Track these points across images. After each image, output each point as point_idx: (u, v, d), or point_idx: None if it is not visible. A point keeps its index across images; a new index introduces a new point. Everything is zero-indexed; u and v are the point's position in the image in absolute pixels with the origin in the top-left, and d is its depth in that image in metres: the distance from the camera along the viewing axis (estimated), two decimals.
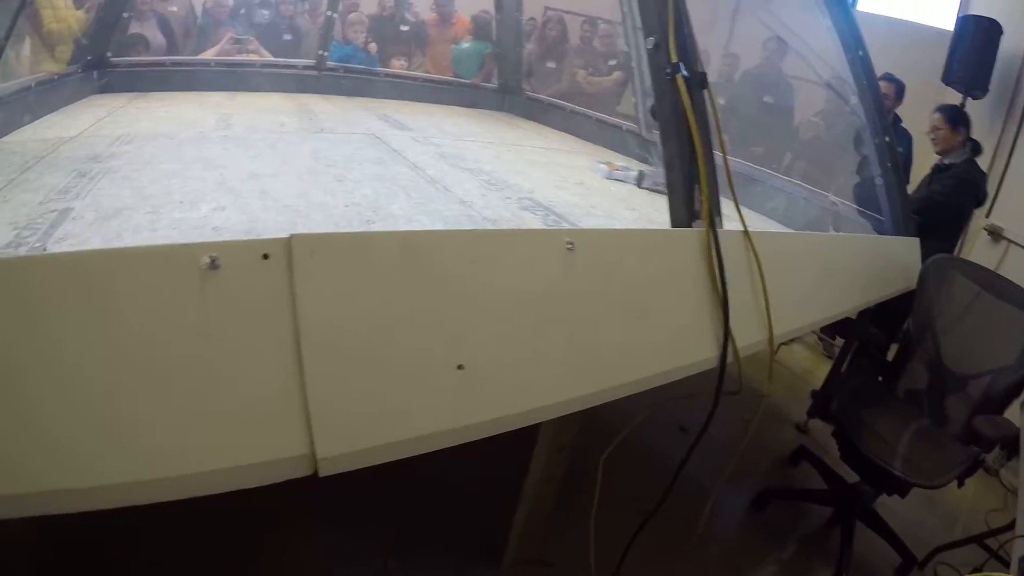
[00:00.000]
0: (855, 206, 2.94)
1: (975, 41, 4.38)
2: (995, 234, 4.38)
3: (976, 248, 4.48)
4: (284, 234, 1.30)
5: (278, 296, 0.79)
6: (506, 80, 4.47)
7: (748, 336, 1.31)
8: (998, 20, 4.37)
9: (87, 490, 0.70)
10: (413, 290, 0.86)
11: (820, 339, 3.95)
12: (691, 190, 1.20)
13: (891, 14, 5.36)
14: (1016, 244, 4.25)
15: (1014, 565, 1.42)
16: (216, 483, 0.75)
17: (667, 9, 1.22)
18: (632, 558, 1.84)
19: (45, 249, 1.24)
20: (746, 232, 1.30)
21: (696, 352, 1.17)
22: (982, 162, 4.44)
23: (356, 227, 1.66)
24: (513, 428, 0.91)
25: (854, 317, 2.60)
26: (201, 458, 0.74)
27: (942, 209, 3.15)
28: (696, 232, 1.19)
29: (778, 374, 3.72)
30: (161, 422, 0.73)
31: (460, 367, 0.87)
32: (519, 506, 1.75)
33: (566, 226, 1.85)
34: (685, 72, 1.20)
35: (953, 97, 4.47)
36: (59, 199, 1.61)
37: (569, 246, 0.97)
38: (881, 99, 2.76)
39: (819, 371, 2.73)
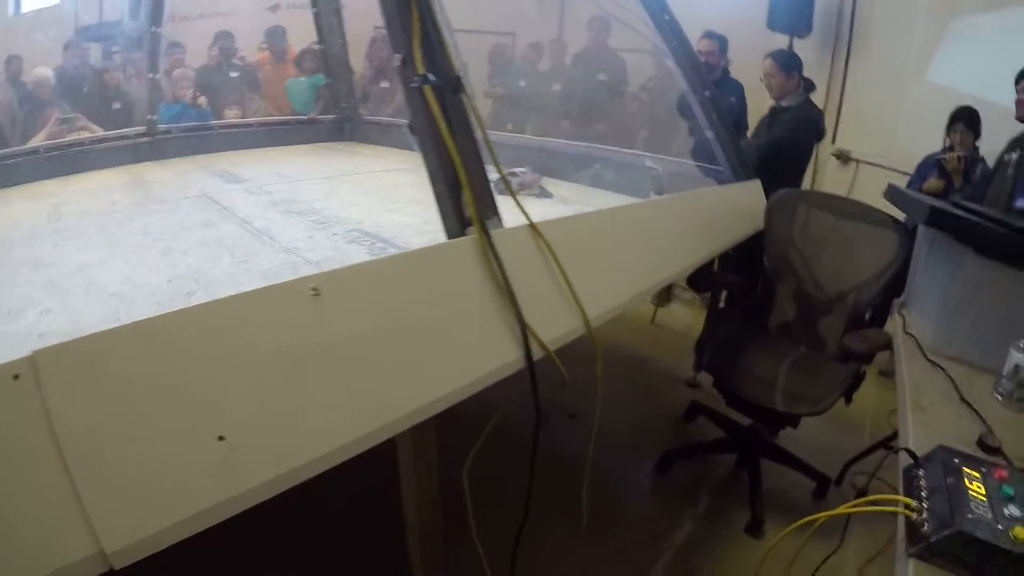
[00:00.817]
0: (695, 163, 3.02)
1: None
2: (843, 158, 4.64)
3: (828, 174, 4.73)
4: (106, 327, 1.28)
5: (34, 412, 0.80)
6: (342, 109, 4.42)
7: (561, 326, 1.31)
8: None
9: None
10: (162, 375, 0.86)
11: (696, 294, 4.06)
12: (458, 198, 1.19)
13: None
14: (864, 163, 4.52)
15: (900, 476, 1.47)
16: None
17: (411, 22, 1.20)
18: (545, 554, 1.82)
19: None
20: (531, 224, 1.30)
21: (499, 356, 1.16)
22: (819, 97, 4.72)
23: (177, 302, 1.55)
24: (293, 484, 0.90)
25: (714, 268, 2.68)
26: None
27: (787, 151, 3.28)
28: (469, 239, 1.18)
29: (659, 336, 3.83)
30: None
31: (221, 438, 0.86)
32: (408, 534, 1.71)
33: (392, 251, 1.84)
34: (434, 81, 1.19)
35: (781, 41, 4.68)
36: None
37: (314, 292, 0.95)
38: (696, 56, 2.83)
39: (701, 325, 2.79)
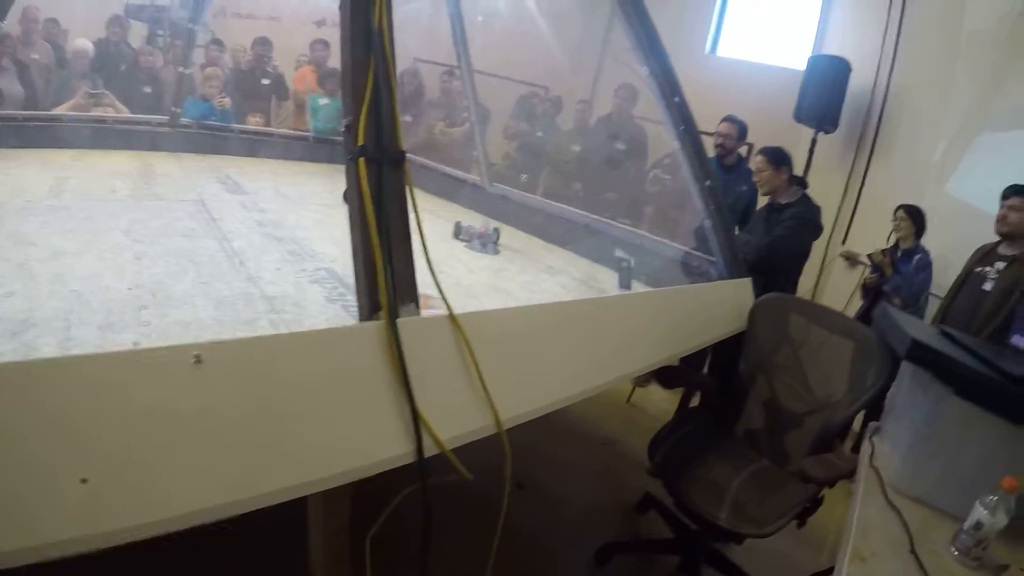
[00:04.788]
0: (693, 252, 2.97)
1: (825, 79, 4.62)
2: (851, 259, 4.58)
3: (833, 274, 4.67)
4: (54, 323, 1.42)
5: None
6: None
7: (470, 423, 1.26)
8: (847, 59, 4.58)
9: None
10: (32, 414, 0.86)
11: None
12: (374, 280, 1.16)
13: (748, 58, 5.59)
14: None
15: None
16: None
17: (364, 89, 1.18)
18: None
19: None
20: (452, 316, 1.26)
21: (388, 448, 1.11)
22: (836, 194, 4.68)
23: (129, 313, 1.64)
24: (144, 537, 0.90)
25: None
26: None
27: (788, 251, 3.24)
28: (374, 325, 1.14)
29: (633, 418, 3.76)
30: None
31: (84, 481, 0.86)
32: None
33: (351, 298, 1.81)
34: (371, 154, 1.17)
35: (807, 133, 4.67)
36: None
37: (196, 360, 0.93)
38: (700, 143, 2.79)
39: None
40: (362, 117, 1.17)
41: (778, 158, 3.29)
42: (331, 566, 1.62)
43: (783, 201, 3.28)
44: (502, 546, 1.47)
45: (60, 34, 4.51)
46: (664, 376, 2.47)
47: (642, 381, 3.73)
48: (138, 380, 0.92)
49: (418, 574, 1.33)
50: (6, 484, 0.83)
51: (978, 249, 3.16)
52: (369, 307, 1.16)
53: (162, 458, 0.93)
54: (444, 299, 1.26)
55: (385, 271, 1.15)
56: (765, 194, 3.37)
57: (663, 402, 3.80)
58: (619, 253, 2.73)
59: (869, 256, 3.71)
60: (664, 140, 4.04)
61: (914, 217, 3.59)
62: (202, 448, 0.95)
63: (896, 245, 3.66)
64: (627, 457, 3.32)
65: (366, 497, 1.38)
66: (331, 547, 1.56)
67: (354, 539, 1.57)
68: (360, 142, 1.17)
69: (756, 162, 3.34)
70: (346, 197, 1.20)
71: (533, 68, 4.96)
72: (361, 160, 1.16)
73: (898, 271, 3.53)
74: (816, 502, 2.19)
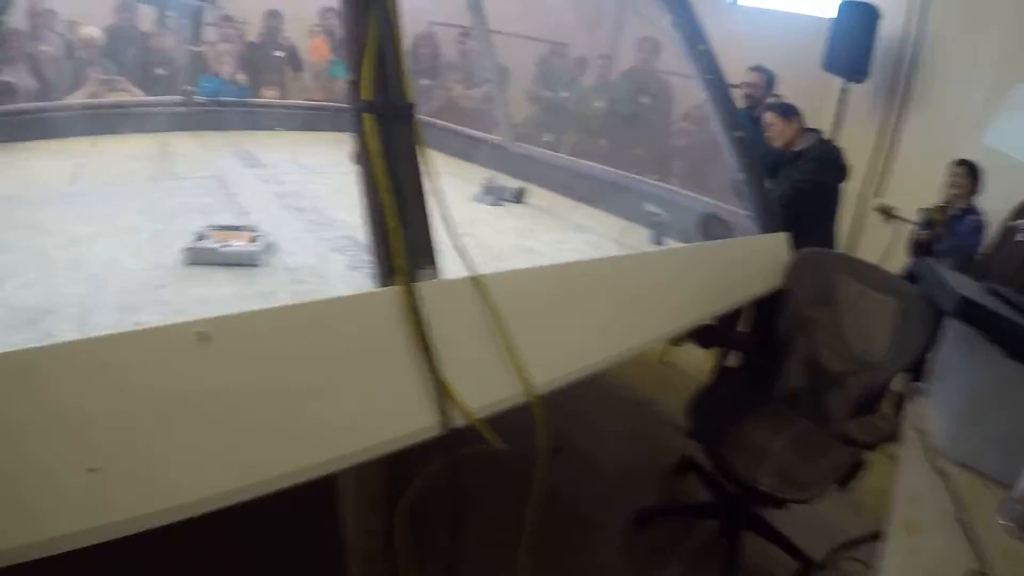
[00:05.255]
0: (726, 206, 2.86)
1: (854, 27, 4.45)
2: (886, 213, 4.42)
3: (869, 228, 4.52)
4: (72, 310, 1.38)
5: None
6: None
7: (500, 391, 1.20)
8: (876, 5, 4.39)
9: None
10: (32, 404, 0.83)
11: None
12: (389, 243, 1.09)
13: (771, 6, 5.42)
14: (907, 221, 4.27)
15: None
16: None
17: (366, 40, 1.10)
18: None
19: None
20: (475, 277, 1.18)
21: (412, 422, 1.06)
22: (867, 146, 4.51)
23: (146, 293, 1.60)
24: (157, 525, 0.87)
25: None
26: None
27: (810, 195, 3.14)
28: (390, 291, 1.07)
29: (667, 377, 3.70)
30: None
31: (91, 470, 0.83)
32: (350, 558, 1.64)
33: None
34: (378, 108, 1.09)
35: (835, 84, 4.52)
36: None
37: (201, 338, 0.88)
38: (729, 93, 2.67)
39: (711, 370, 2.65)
40: (365, 69, 1.10)
41: (786, 110, 3.25)
42: (365, 537, 1.60)
43: (799, 148, 3.23)
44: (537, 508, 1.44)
45: (65, 25, 4.46)
46: (701, 336, 2.39)
47: (675, 339, 3.66)
48: (141, 362, 0.88)
49: (451, 545, 1.29)
50: (9, 478, 0.80)
51: (1018, 204, 3.05)
52: (385, 272, 1.09)
53: (171, 443, 0.89)
54: (467, 264, 1.19)
55: (399, 232, 1.08)
56: (780, 147, 3.29)
57: (697, 360, 3.71)
58: (649, 207, 2.62)
59: (926, 210, 3.51)
60: (689, 94, 3.95)
61: (973, 174, 3.40)
62: (213, 430, 0.91)
63: (948, 202, 3.48)
64: (662, 417, 3.27)
65: (402, 466, 1.34)
66: (364, 518, 1.54)
67: (389, 509, 1.55)
68: (364, 96, 1.09)
69: (766, 118, 3.29)
70: (356, 159, 1.13)
71: (551, 25, 4.84)
72: (367, 116, 1.09)
73: (953, 231, 3.37)
74: (858, 464, 2.10)
